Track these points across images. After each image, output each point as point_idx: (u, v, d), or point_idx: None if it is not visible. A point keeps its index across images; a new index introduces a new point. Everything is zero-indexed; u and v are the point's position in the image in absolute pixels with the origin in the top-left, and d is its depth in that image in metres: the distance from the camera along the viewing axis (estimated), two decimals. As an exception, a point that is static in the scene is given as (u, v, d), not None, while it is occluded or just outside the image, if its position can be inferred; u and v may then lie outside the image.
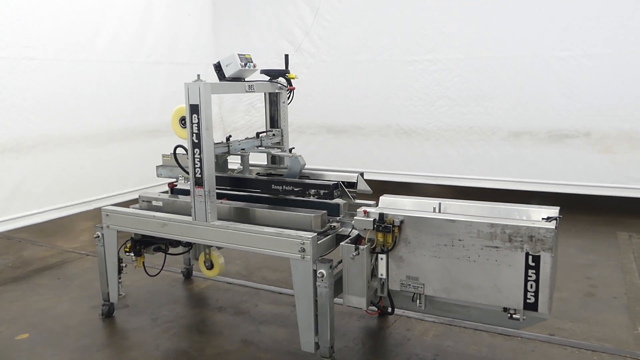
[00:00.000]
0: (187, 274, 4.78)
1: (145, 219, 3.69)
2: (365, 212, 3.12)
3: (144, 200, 4.00)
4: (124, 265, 3.99)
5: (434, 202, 3.30)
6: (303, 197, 3.42)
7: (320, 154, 7.69)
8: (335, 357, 3.21)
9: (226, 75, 3.64)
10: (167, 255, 4.17)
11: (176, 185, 4.17)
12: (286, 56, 4.29)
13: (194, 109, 3.35)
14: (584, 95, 6.14)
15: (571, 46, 6.11)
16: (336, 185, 3.36)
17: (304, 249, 3.10)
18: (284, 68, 4.20)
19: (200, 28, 7.65)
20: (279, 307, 4.19)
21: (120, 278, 3.97)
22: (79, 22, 5.90)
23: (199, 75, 3.43)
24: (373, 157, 7.45)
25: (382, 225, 3.04)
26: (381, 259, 3.12)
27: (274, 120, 4.21)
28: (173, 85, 7.17)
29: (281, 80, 4.12)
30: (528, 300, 2.81)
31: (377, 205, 3.44)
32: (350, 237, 3.20)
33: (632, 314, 3.92)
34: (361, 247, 3.06)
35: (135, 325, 3.94)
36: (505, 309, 2.91)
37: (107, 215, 3.86)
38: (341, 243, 3.13)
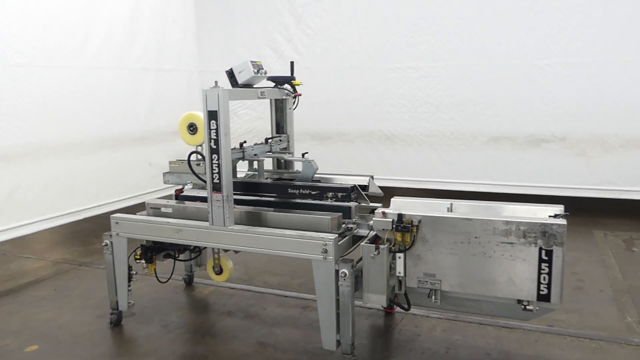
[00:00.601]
0: (189, 281, 4.79)
1: (159, 226, 3.71)
2: (383, 213, 3.25)
3: (151, 207, 4.01)
4: (134, 272, 3.98)
5: (445, 202, 3.47)
6: (320, 200, 3.53)
7: (304, 160, 7.79)
8: (355, 353, 3.32)
9: (239, 82, 3.72)
10: (167, 263, 4.17)
11: (182, 192, 4.20)
12: (292, 63, 4.43)
13: (213, 115, 3.41)
14: (560, 101, 6.48)
15: (549, 55, 6.45)
16: (353, 188, 3.49)
17: (326, 249, 3.20)
18: (288, 75, 4.29)
19: (185, 35, 7.66)
20: (287, 309, 4.26)
21: (130, 286, 3.96)
22: (69, 29, 5.83)
23: (216, 82, 3.50)
24: (357, 163, 7.60)
25: (402, 226, 3.18)
26: (399, 257, 3.24)
27: (280, 126, 4.30)
28: (160, 92, 7.19)
29: (287, 86, 4.21)
30: (541, 292, 3.00)
31: (383, 207, 3.58)
32: (368, 238, 3.32)
33: (619, 304, 4.18)
34: (381, 246, 3.19)
35: (146, 332, 3.93)
36: (519, 301, 3.10)
37: (117, 222, 3.86)
38: (361, 243, 3.25)
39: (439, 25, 6.90)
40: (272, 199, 3.91)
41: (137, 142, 6.97)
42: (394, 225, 3.20)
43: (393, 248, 3.22)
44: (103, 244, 3.93)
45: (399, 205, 3.55)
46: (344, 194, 3.45)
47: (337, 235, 3.25)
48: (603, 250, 5.48)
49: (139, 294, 4.57)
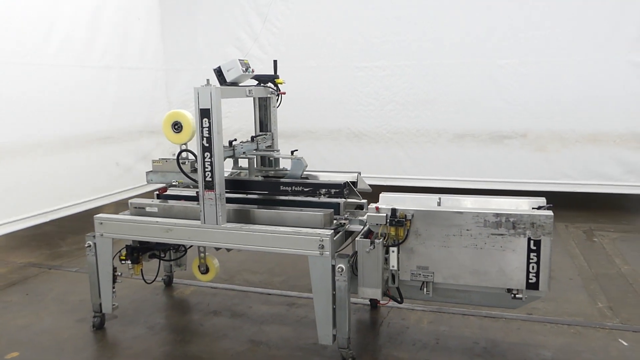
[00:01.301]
0: (168, 282, 4.71)
1: (147, 225, 3.64)
2: (377, 208, 3.33)
3: (135, 207, 3.92)
4: (118, 274, 3.88)
5: (434, 197, 3.58)
6: (313, 196, 3.56)
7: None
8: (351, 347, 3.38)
9: (227, 80, 3.70)
10: (143, 265, 4.07)
11: (166, 191, 4.12)
12: (275, 62, 4.42)
13: (205, 113, 3.39)
14: (520, 99, 6.78)
15: (508, 55, 6.73)
16: (345, 184, 3.54)
17: (323, 245, 3.24)
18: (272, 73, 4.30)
19: (149, 33, 7.48)
20: (273, 307, 4.27)
21: (114, 288, 3.86)
22: (30, 24, 5.59)
23: (208, 80, 3.48)
24: (325, 160, 7.65)
25: (395, 220, 3.26)
26: (392, 251, 3.32)
27: (263, 124, 4.29)
28: (124, 90, 7.01)
29: (270, 85, 4.22)
30: (530, 281, 3.14)
31: (367, 203, 3.67)
32: (361, 233, 3.38)
33: (589, 292, 4.44)
34: (376, 241, 3.26)
35: (133, 334, 3.85)
36: (509, 290, 3.25)
37: (101, 223, 3.75)
38: (356, 238, 3.31)
39: (403, 25, 7.06)
40: (256, 196, 3.91)
41: (102, 142, 6.77)
42: (387, 220, 3.28)
43: (386, 242, 3.30)
44: (86, 245, 3.81)
45: (388, 201, 3.62)
46: (337, 190, 3.50)
47: (333, 231, 3.30)
48: (566, 241, 5.78)
49: (118, 296, 4.39)
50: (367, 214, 3.32)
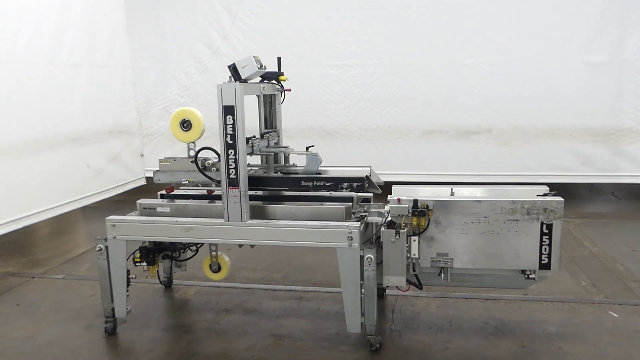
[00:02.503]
0: (168, 283, 4.63)
1: (166, 225, 3.59)
2: (399, 199, 3.48)
3: (145, 208, 3.86)
4: (132, 276, 3.80)
5: (446, 188, 3.79)
6: (335, 190, 3.64)
7: (243, 157, 7.78)
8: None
9: (242, 77, 3.70)
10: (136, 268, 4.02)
11: (173, 191, 4.07)
12: (279, 59, 4.46)
13: (229, 110, 3.41)
14: (485, 96, 7.17)
15: (474, 54, 7.10)
16: (365, 178, 3.66)
17: (351, 237, 3.36)
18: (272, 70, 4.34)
19: (115, 30, 7.24)
20: (283, 302, 4.33)
21: (128, 291, 3.77)
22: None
23: (230, 77, 3.48)
24: (297, 158, 7.72)
25: (418, 210, 3.43)
26: (414, 240, 3.50)
27: (268, 121, 4.32)
28: (93, 89, 6.76)
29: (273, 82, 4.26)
30: (542, 262, 3.41)
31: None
32: (383, 224, 3.52)
33: (570, 272, 4.81)
34: (401, 231, 3.41)
35: (149, 337, 3.78)
36: (523, 271, 3.50)
37: (114, 225, 3.66)
38: (381, 229, 3.45)
39: (373, 25, 7.27)
40: (261, 192, 3.96)
41: (74, 144, 6.49)
42: (410, 211, 3.44)
43: (408, 232, 3.46)
44: (97, 249, 3.70)
45: (401, 192, 3.78)
46: (359, 183, 3.61)
47: (360, 223, 3.42)
48: (534, 228, 6.18)
49: None
50: (390, 205, 3.46)
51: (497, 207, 3.40)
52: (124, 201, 7.71)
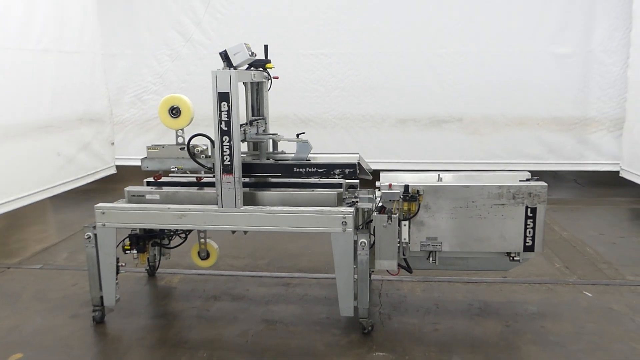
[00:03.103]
0: (152, 272, 4.59)
1: (158, 212, 3.56)
2: (390, 185, 3.56)
3: (133, 195, 3.80)
4: (122, 264, 3.75)
5: (433, 175, 3.89)
6: (327, 177, 3.69)
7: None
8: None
9: (234, 64, 3.65)
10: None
11: (161, 178, 4.02)
12: (265, 46, 4.45)
13: (224, 96, 3.40)
14: (456, 86, 7.34)
15: (445, 44, 7.25)
16: (357, 165, 3.72)
17: (345, 222, 3.42)
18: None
19: (85, 15, 7.01)
20: (270, 288, 4.36)
21: (117, 279, 3.72)
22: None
23: (226, 63, 3.46)
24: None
25: (409, 196, 3.52)
26: (404, 225, 3.59)
27: (255, 109, 4.31)
28: (63, 75, 6.56)
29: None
30: (527, 244, 3.56)
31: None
32: (375, 209, 3.60)
33: (544, 255, 5.00)
34: (393, 216, 3.50)
35: (139, 325, 3.76)
36: (508, 254, 3.65)
37: (103, 213, 3.60)
38: (373, 214, 3.52)
39: (348, 14, 7.32)
40: (247, 179, 3.97)
41: (43, 131, 6.28)
42: (401, 196, 3.53)
43: (399, 217, 3.55)
44: (85, 237, 3.63)
45: (390, 179, 3.86)
46: (351, 169, 3.67)
47: (354, 208, 3.48)
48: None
49: None
50: (382, 190, 3.54)
51: (484, 192, 3.53)
52: (94, 190, 7.55)
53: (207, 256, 4.17)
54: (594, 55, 7.06)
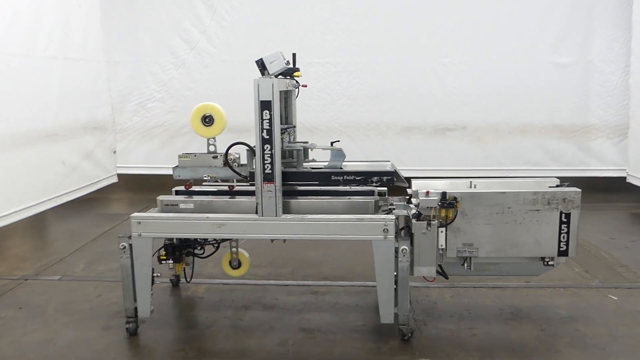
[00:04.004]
0: (176, 282, 4.53)
1: (196, 222, 3.53)
2: (427, 192, 3.60)
3: (167, 204, 3.76)
4: (157, 275, 3.70)
5: (465, 181, 3.95)
6: (365, 184, 3.71)
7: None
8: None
9: (270, 72, 3.68)
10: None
11: (191, 187, 3.98)
12: (294, 55, 4.46)
13: (266, 105, 3.40)
14: (461, 94, 7.45)
15: (449, 54, 7.37)
16: (394, 172, 3.75)
17: (387, 229, 3.44)
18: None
19: (89, 22, 6.92)
20: (299, 297, 4.35)
21: (152, 290, 3.67)
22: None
23: (265, 71, 3.46)
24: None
25: (447, 202, 3.57)
26: (441, 231, 3.63)
27: (283, 117, 4.31)
28: (68, 83, 6.47)
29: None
30: (561, 249, 3.64)
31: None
32: (412, 216, 3.62)
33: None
34: (432, 222, 3.53)
35: (174, 336, 3.72)
36: (542, 258, 3.71)
37: (139, 222, 3.55)
38: (413, 221, 3.55)
39: (354, 23, 7.39)
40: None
41: (49, 139, 6.17)
42: (439, 203, 3.57)
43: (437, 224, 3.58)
44: (120, 247, 3.57)
45: (421, 186, 3.90)
46: (389, 177, 3.70)
47: (394, 216, 3.51)
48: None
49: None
50: (420, 198, 3.57)
51: (520, 198, 3.59)
52: (95, 199, 7.45)
53: (239, 265, 4.13)
54: (593, 64, 7.26)
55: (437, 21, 7.31)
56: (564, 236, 3.62)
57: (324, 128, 7.69)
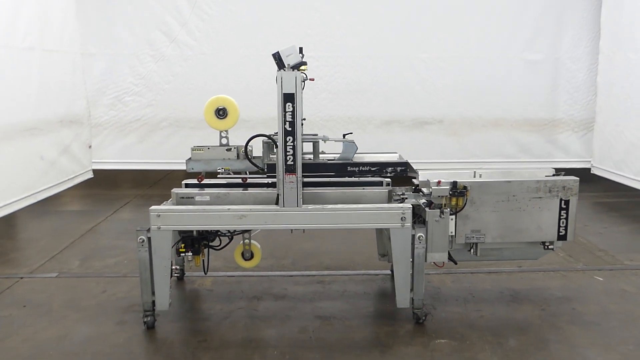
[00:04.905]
0: (181, 275, 4.52)
1: (218, 214, 3.54)
2: (439, 182, 3.77)
3: (182, 197, 3.76)
4: (176, 267, 3.70)
5: (469, 171, 4.14)
6: (380, 175, 3.84)
7: (202, 148, 7.64)
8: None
9: (286, 65, 3.73)
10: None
11: (204, 179, 3.98)
12: (300, 48, 4.49)
13: (289, 97, 3.46)
14: (438, 89, 7.71)
15: (428, 50, 7.60)
16: (407, 163, 3.90)
17: (404, 217, 3.59)
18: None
19: (66, 12, 6.70)
20: (306, 286, 4.43)
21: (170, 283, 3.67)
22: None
23: (288, 65, 3.52)
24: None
25: (457, 191, 3.75)
26: (451, 219, 3.81)
27: (291, 110, 4.36)
28: (47, 75, 6.28)
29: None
30: (560, 233, 3.90)
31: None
32: (423, 205, 3.78)
33: (542, 245, 5.43)
34: (445, 210, 3.71)
35: (193, 328, 3.73)
36: (543, 243, 3.96)
37: (159, 215, 3.53)
38: (426, 209, 3.71)
39: (336, 19, 7.50)
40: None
41: (28, 134, 5.96)
42: (450, 192, 3.75)
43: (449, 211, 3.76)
44: (139, 241, 3.55)
45: (427, 177, 4.07)
46: (403, 168, 3.84)
47: (411, 204, 3.65)
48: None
49: (133, 295, 4.20)
50: (432, 187, 3.74)
51: (524, 187, 3.82)
52: (70, 195, 7.25)
53: (251, 257, 4.17)
54: (561, 62, 7.67)
55: (416, 18, 7.52)
56: (563, 221, 3.87)
57: (306, 122, 7.71)
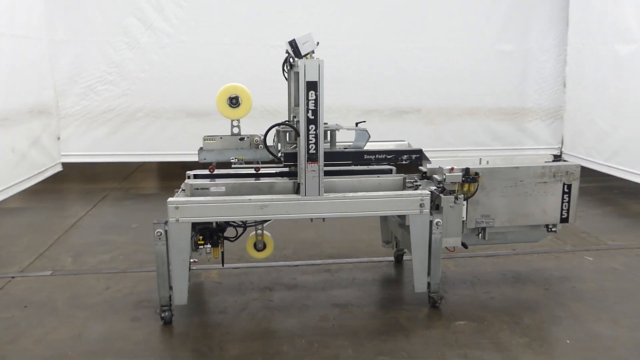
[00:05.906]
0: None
1: (238, 204, 3.48)
2: (452, 169, 3.86)
3: (197, 188, 3.66)
4: (194, 260, 3.61)
5: (474, 158, 4.25)
6: (395, 163, 3.88)
7: (179, 138, 7.46)
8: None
9: (302, 53, 3.71)
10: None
11: (215, 169, 3.89)
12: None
13: (312, 85, 3.44)
14: (415, 80, 7.84)
15: (405, 40, 7.70)
16: (421, 151, 3.95)
17: (423, 204, 3.65)
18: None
19: (33, -3, 6.36)
20: (315, 275, 4.43)
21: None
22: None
23: (312, 52, 3.48)
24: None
25: (470, 177, 3.85)
26: (463, 204, 3.92)
27: (296, 99, 4.32)
28: (17, 62, 5.96)
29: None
30: (563, 216, 4.08)
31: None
32: (436, 191, 3.86)
33: (528, 229, 5.66)
34: (460, 196, 3.80)
35: (212, 321, 3.66)
36: (546, 225, 4.13)
37: (177, 207, 3.43)
38: (441, 195, 3.79)
39: (317, 7, 7.47)
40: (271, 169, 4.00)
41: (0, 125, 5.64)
42: (462, 178, 3.84)
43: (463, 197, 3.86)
44: (156, 234, 3.43)
45: (436, 164, 4.17)
46: (418, 155, 3.90)
47: (428, 191, 3.72)
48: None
49: (139, 290, 4.09)
50: (446, 174, 3.82)
51: (531, 172, 3.97)
52: (41, 190, 6.90)
53: (264, 247, 4.13)
54: (531, 52, 7.96)
55: (394, 8, 7.60)
56: (565, 205, 4.06)
57: (285, 111, 7.67)
